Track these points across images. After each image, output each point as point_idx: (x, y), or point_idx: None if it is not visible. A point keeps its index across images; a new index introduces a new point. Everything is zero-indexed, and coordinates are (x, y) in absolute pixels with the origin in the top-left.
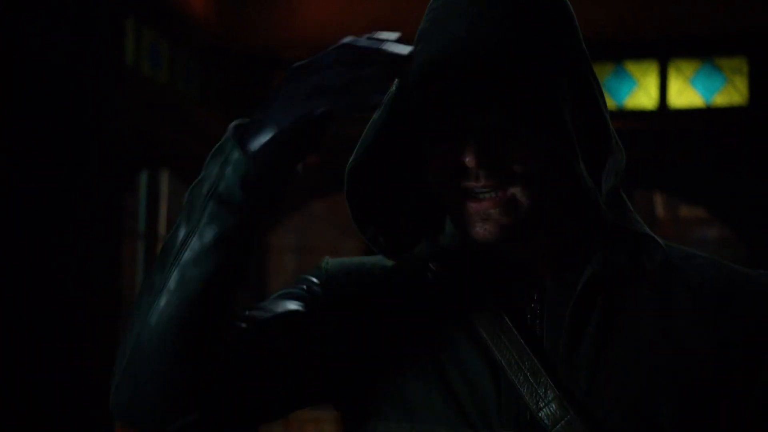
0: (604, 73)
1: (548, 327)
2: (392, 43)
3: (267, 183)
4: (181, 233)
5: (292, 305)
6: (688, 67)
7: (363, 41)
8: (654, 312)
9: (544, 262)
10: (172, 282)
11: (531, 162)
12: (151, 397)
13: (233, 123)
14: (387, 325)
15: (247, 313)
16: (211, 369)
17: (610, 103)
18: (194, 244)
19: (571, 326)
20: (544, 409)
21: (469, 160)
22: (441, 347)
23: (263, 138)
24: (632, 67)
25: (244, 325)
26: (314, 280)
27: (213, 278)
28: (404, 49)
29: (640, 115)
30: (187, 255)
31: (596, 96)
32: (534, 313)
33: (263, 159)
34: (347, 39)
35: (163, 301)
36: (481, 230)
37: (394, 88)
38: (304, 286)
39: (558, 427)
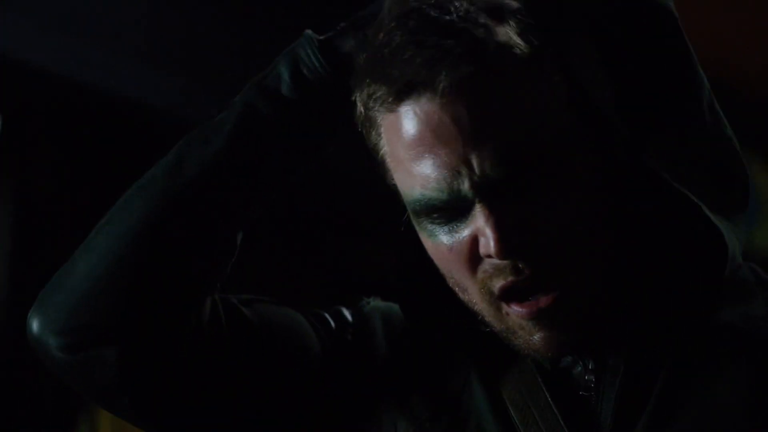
0: None
1: (606, 405)
2: None
3: (328, 80)
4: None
5: (308, 328)
6: None
7: None
8: (744, 391)
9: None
10: (167, 161)
11: (579, 215)
12: (90, 302)
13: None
14: (395, 390)
15: (257, 303)
16: (177, 307)
17: None
18: (207, 129)
19: (620, 409)
20: None
21: (496, 252)
22: (456, 426)
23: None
24: None
25: (246, 311)
26: (347, 317)
27: (216, 169)
28: None
29: None
30: (196, 134)
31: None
32: (588, 386)
33: (334, 46)
34: None
35: (150, 184)
36: (544, 342)
37: None
38: (334, 318)
39: None
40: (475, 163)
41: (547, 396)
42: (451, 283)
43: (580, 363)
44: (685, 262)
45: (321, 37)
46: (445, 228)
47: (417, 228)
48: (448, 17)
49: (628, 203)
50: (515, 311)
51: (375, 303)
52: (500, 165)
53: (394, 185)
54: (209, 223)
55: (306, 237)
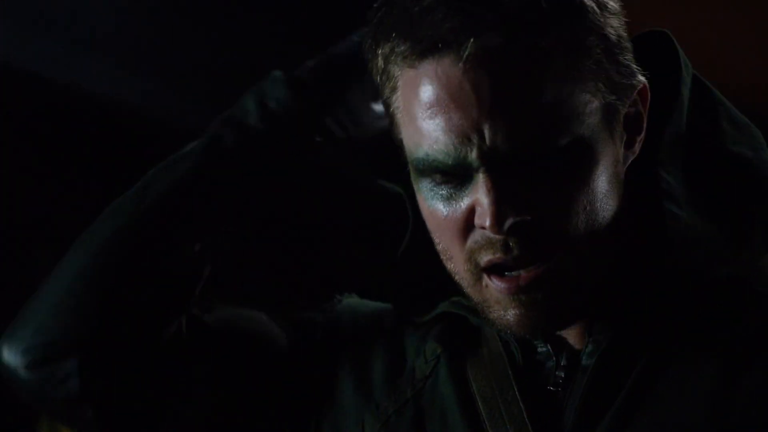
0: None
1: (572, 403)
2: None
3: (294, 112)
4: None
5: (273, 330)
6: None
7: None
8: (713, 396)
9: (584, 312)
10: (136, 186)
11: (581, 206)
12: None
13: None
14: (361, 386)
15: (219, 309)
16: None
17: None
18: (174, 158)
19: (583, 408)
20: None
21: (490, 225)
22: (421, 418)
23: (309, 63)
24: None
25: (208, 318)
26: (317, 317)
27: (179, 192)
28: None
29: None
30: (164, 163)
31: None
32: (557, 382)
33: (304, 80)
34: None
35: (119, 212)
36: (517, 319)
37: None
38: (303, 319)
39: None
40: (487, 133)
41: (516, 390)
42: (438, 248)
43: (553, 358)
44: (665, 267)
45: (288, 74)
46: (444, 193)
47: (415, 188)
48: None
49: (643, 212)
50: (495, 285)
51: (348, 300)
52: (512, 139)
53: (400, 141)
54: (173, 244)
55: (291, 238)
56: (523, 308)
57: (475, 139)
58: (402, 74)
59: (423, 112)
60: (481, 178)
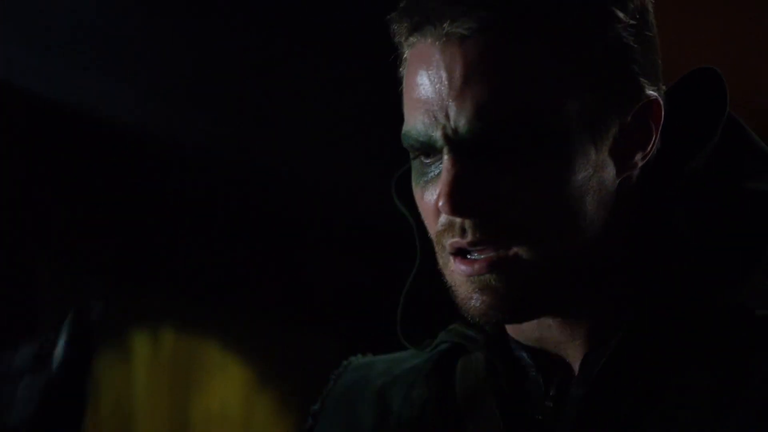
0: None
1: None
2: None
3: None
4: None
5: None
6: None
7: None
8: (710, 412)
9: (577, 333)
10: None
11: (542, 196)
12: None
13: None
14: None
15: None
16: None
17: None
18: None
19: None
20: None
21: (442, 205)
22: None
23: None
24: None
25: None
26: (314, 407)
27: None
28: None
29: None
30: None
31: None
32: (545, 411)
33: None
34: None
35: None
36: (477, 304)
37: None
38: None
39: None
40: (452, 114)
41: (501, 420)
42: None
43: (542, 387)
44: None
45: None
46: (424, 171)
47: (412, 171)
48: None
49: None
50: (457, 268)
51: (356, 361)
52: (474, 123)
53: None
54: None
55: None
56: (479, 293)
57: (441, 119)
58: (405, 52)
59: (410, 88)
60: (445, 159)
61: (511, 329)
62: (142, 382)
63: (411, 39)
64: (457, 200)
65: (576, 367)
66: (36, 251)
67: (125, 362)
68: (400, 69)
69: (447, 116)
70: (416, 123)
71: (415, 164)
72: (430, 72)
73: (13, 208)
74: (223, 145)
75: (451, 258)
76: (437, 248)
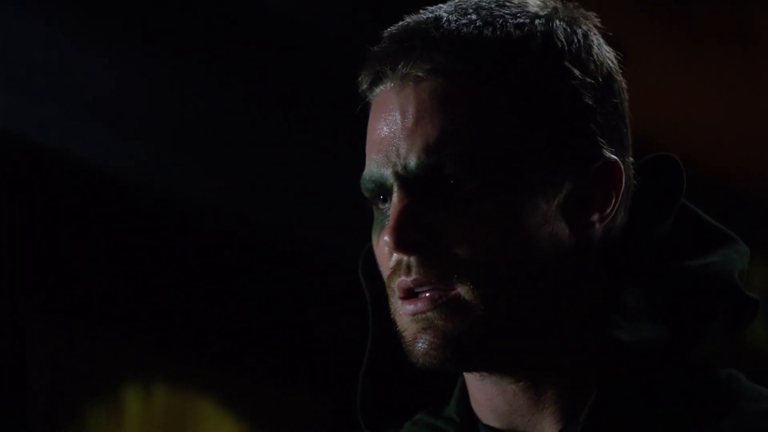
0: None
1: None
2: None
3: None
4: None
5: None
6: None
7: None
8: None
9: (546, 401)
10: None
11: (488, 238)
12: None
13: None
14: None
15: None
16: None
17: None
18: None
19: None
20: None
21: (387, 240)
22: None
23: None
24: None
25: None
26: None
27: None
28: None
29: None
30: None
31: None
32: None
33: None
34: None
35: None
36: (422, 346)
37: None
38: None
39: None
40: (402, 151)
41: None
42: None
43: None
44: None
45: None
46: (380, 218)
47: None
48: (432, 25)
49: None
50: (403, 309)
51: None
52: (422, 160)
53: None
54: None
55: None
56: (422, 332)
57: (393, 158)
58: (369, 107)
59: (368, 135)
60: (393, 196)
61: (480, 410)
62: None
63: (374, 90)
64: (402, 235)
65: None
66: (25, 303)
67: (117, 418)
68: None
69: (398, 154)
70: (371, 165)
71: (375, 215)
72: (386, 115)
73: (1, 257)
74: (218, 199)
75: (399, 301)
76: (389, 293)
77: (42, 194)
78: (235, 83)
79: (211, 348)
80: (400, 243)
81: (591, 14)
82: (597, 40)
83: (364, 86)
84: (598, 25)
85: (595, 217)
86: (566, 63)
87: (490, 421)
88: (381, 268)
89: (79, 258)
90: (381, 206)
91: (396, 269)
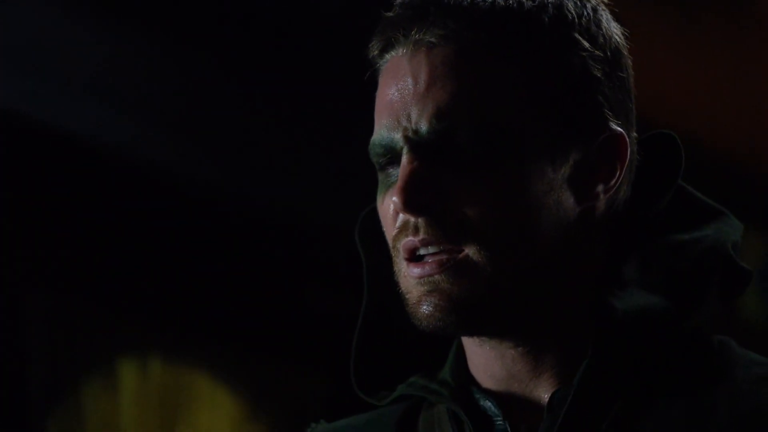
0: None
1: None
2: None
3: None
4: None
5: None
6: None
7: None
8: None
9: (543, 366)
10: None
11: (497, 201)
12: None
13: None
14: None
15: None
16: None
17: None
18: None
19: None
20: None
21: (396, 200)
22: None
23: None
24: None
25: None
26: None
27: None
28: None
29: None
30: None
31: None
32: None
33: None
34: None
35: None
36: (427, 308)
37: None
38: None
39: None
40: (413, 116)
41: None
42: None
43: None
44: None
45: None
46: (386, 181)
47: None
48: None
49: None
50: (409, 271)
51: (319, 428)
52: (433, 124)
53: None
54: None
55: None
56: (428, 295)
57: (403, 121)
58: (379, 72)
59: (378, 101)
60: (402, 159)
61: (477, 373)
62: (130, 412)
63: (385, 55)
64: (411, 195)
65: (540, 415)
66: (21, 279)
67: (112, 392)
68: (376, 93)
69: (409, 118)
70: (381, 129)
71: (380, 178)
72: (397, 80)
73: None
74: (216, 176)
75: (405, 263)
76: (393, 255)
77: (36, 172)
78: (232, 60)
79: (208, 324)
80: (409, 203)
81: None
82: (605, 15)
83: (375, 52)
84: (606, 1)
85: (600, 188)
86: (576, 35)
87: (486, 384)
88: (385, 229)
89: (75, 234)
90: (388, 169)
91: (403, 229)
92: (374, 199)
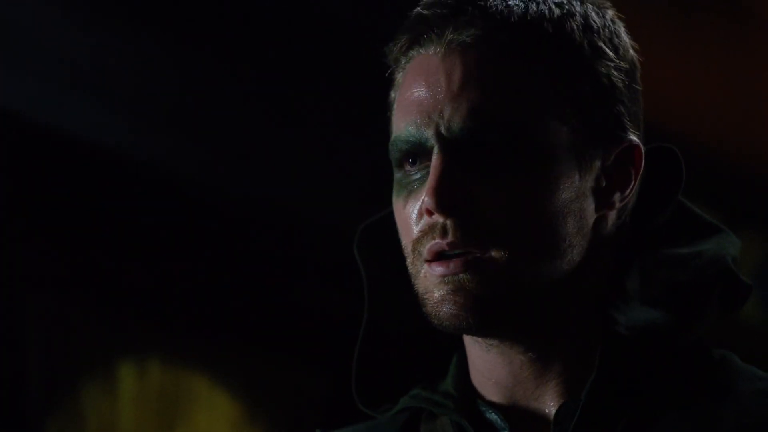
0: None
1: None
2: None
3: None
4: None
5: None
6: None
7: None
8: None
9: (550, 374)
10: None
11: (527, 207)
12: None
13: None
14: None
15: None
16: None
17: None
18: None
19: None
20: None
21: (428, 200)
22: None
23: None
24: None
25: None
26: None
27: None
28: None
29: None
30: None
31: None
32: None
33: None
34: None
35: None
36: (449, 307)
37: None
38: None
39: None
40: (447, 113)
41: None
42: (403, 248)
43: None
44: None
45: None
46: (408, 181)
47: (394, 189)
48: None
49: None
50: (432, 270)
51: None
52: (467, 123)
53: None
54: None
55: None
56: (452, 294)
57: (435, 118)
58: (401, 68)
59: (406, 95)
60: (434, 159)
61: (481, 383)
62: (129, 413)
63: (411, 52)
64: (443, 196)
65: (551, 419)
66: (21, 279)
67: (111, 394)
68: (393, 94)
69: (441, 115)
70: (408, 125)
71: (397, 178)
72: (428, 78)
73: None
74: (215, 176)
75: (426, 264)
76: (412, 258)
77: (36, 172)
78: (232, 60)
79: (207, 325)
80: (441, 204)
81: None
82: (622, 26)
83: (400, 49)
84: (618, 13)
85: (617, 196)
86: (602, 44)
87: (491, 395)
88: (403, 232)
89: (75, 234)
90: (408, 168)
91: (428, 231)
92: (374, 200)
